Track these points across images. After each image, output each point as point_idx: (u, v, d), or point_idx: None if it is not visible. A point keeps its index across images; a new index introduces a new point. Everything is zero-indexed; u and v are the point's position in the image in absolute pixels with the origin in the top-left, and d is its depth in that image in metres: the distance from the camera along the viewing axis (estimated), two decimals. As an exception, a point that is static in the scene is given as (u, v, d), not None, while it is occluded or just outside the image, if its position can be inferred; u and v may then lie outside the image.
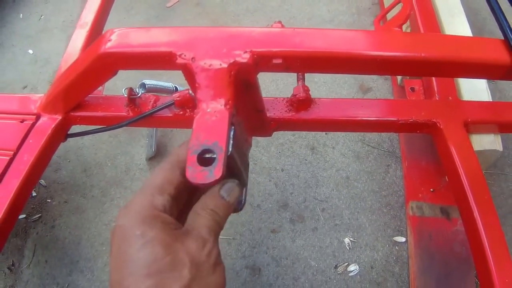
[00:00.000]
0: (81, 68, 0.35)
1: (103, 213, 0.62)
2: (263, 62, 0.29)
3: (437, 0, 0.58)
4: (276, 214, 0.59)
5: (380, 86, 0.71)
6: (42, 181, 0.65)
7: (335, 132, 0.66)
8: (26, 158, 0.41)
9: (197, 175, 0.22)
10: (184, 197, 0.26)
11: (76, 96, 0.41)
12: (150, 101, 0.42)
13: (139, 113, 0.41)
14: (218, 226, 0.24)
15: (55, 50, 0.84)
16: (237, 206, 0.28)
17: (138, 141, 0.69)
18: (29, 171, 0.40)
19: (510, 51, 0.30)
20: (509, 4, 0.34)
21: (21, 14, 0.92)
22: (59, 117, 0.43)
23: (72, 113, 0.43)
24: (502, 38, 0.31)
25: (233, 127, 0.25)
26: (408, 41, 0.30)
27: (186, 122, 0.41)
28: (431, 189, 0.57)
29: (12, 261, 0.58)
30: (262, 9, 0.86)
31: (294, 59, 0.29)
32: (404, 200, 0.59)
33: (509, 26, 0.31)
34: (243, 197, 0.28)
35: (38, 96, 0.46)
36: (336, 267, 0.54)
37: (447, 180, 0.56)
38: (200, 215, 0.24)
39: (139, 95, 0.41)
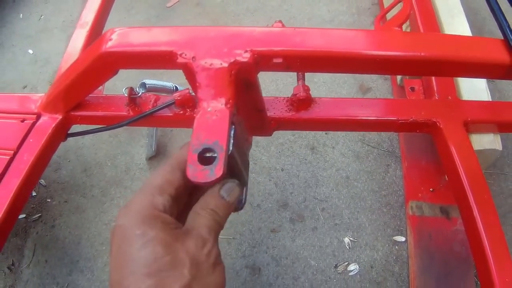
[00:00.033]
0: (81, 68, 0.35)
1: (103, 212, 0.62)
2: (264, 61, 0.29)
3: (436, 0, 0.58)
4: (276, 214, 0.59)
5: (379, 86, 0.72)
6: (42, 181, 0.65)
7: (335, 132, 0.66)
8: (26, 158, 0.41)
9: (198, 174, 0.22)
10: (184, 198, 0.26)
11: (76, 95, 0.41)
12: (151, 101, 0.42)
13: (140, 112, 0.41)
14: (218, 226, 0.24)
15: (55, 50, 0.84)
16: (238, 205, 0.28)
17: (138, 141, 0.69)
18: (29, 171, 0.40)
19: (510, 50, 0.30)
20: (509, 5, 0.34)
21: (21, 14, 0.92)
22: (59, 117, 0.43)
23: (72, 113, 0.43)
24: (502, 38, 0.32)
25: (233, 126, 0.25)
26: (408, 40, 0.30)
27: (186, 122, 0.41)
28: (430, 189, 0.57)
29: (12, 260, 0.58)
30: (262, 9, 0.86)
31: (294, 58, 0.29)
32: (403, 200, 0.59)
33: (508, 26, 0.31)
34: (244, 197, 0.28)
35: (39, 96, 0.46)
36: (336, 266, 0.54)
37: (446, 179, 0.56)
38: (200, 215, 0.24)
39: (140, 94, 0.41)
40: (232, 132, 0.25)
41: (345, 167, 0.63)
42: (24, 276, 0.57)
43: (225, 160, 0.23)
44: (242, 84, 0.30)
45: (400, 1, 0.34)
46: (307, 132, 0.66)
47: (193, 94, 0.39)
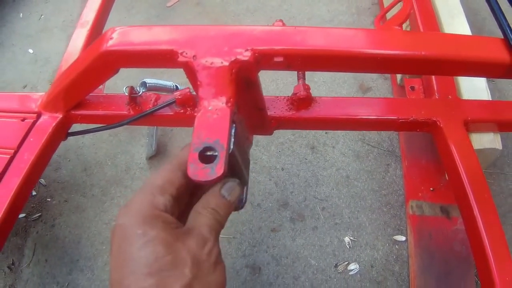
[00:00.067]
0: (82, 66, 0.35)
1: (103, 212, 0.61)
2: (265, 60, 0.29)
3: (436, 0, 0.58)
4: (276, 213, 0.59)
5: (379, 85, 0.72)
6: (42, 180, 0.65)
7: (335, 131, 0.66)
8: (27, 157, 0.41)
9: (199, 172, 0.22)
10: (185, 199, 0.26)
11: (77, 94, 0.41)
12: (151, 100, 0.42)
13: (140, 111, 0.41)
14: (219, 225, 0.24)
15: (55, 49, 0.84)
16: (238, 204, 0.28)
17: (138, 140, 0.69)
18: (29, 170, 0.40)
19: (510, 50, 0.31)
20: (508, 5, 0.34)
21: (21, 14, 0.92)
22: (60, 116, 0.43)
23: (73, 112, 0.43)
24: (502, 37, 0.32)
25: (234, 125, 0.25)
26: (408, 39, 0.31)
27: (186, 121, 0.41)
28: (431, 188, 0.57)
29: (12, 260, 0.58)
30: (262, 9, 0.86)
31: (295, 57, 0.29)
32: (404, 199, 0.59)
33: (508, 25, 0.31)
34: (244, 196, 0.28)
35: (39, 95, 0.46)
36: (336, 266, 0.54)
37: (447, 178, 0.56)
38: (201, 214, 0.24)
39: (140, 93, 0.42)
40: (233, 131, 0.25)
41: (345, 166, 0.63)
42: (24, 275, 0.57)
43: (226, 159, 0.23)
44: (243, 83, 0.30)
45: (400, 1, 0.34)
46: (307, 131, 0.66)
47: (194, 93, 0.39)
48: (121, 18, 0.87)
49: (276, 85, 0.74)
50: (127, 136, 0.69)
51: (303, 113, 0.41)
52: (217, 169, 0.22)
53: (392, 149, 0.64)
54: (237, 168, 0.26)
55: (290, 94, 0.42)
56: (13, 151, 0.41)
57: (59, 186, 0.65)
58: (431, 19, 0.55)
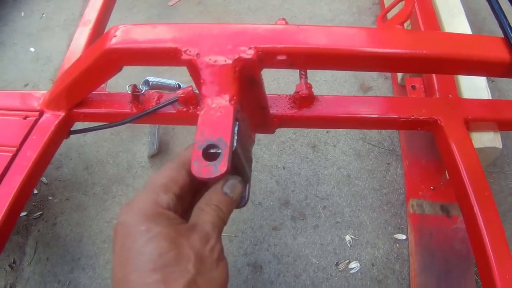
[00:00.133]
0: (85, 65, 0.36)
1: (105, 210, 0.62)
2: (268, 58, 0.29)
3: (437, 0, 0.58)
4: (277, 212, 0.59)
5: (380, 85, 0.72)
6: (43, 179, 0.65)
7: (336, 131, 0.66)
8: (29, 154, 0.41)
9: (202, 169, 0.22)
10: (188, 198, 0.26)
11: (79, 92, 0.41)
12: (154, 98, 0.42)
13: (143, 110, 0.41)
14: (221, 222, 0.24)
15: (56, 48, 0.84)
16: (240, 202, 0.28)
17: (140, 139, 0.69)
18: (32, 168, 0.40)
19: (510, 49, 0.31)
20: (509, 4, 0.34)
21: (23, 12, 0.93)
22: (62, 114, 0.43)
23: (75, 110, 0.43)
24: (502, 36, 0.32)
25: (237, 123, 0.26)
26: (410, 38, 0.31)
27: (189, 119, 0.41)
28: (431, 187, 0.58)
29: (13, 258, 0.58)
30: (263, 8, 0.86)
31: (298, 55, 0.29)
32: (404, 198, 0.59)
33: (509, 24, 0.32)
34: (246, 193, 0.28)
35: (41, 93, 0.46)
36: (337, 264, 0.54)
37: (447, 177, 0.57)
38: (204, 211, 0.24)
39: (143, 92, 0.42)
40: (236, 129, 0.25)
41: (346, 165, 0.63)
42: (25, 274, 0.57)
43: (229, 156, 0.23)
44: (246, 81, 0.30)
45: (402, 0, 0.34)
46: (308, 130, 0.67)
47: (196, 91, 0.39)
48: (122, 17, 0.88)
49: (277, 84, 0.74)
50: (129, 134, 0.70)
51: (305, 112, 0.41)
52: (221, 166, 0.22)
53: (393, 148, 0.64)
54: (240, 166, 0.27)
55: (291, 93, 0.42)
56: (15, 149, 0.41)
57: (60, 184, 0.65)
58: (431, 18, 0.55)
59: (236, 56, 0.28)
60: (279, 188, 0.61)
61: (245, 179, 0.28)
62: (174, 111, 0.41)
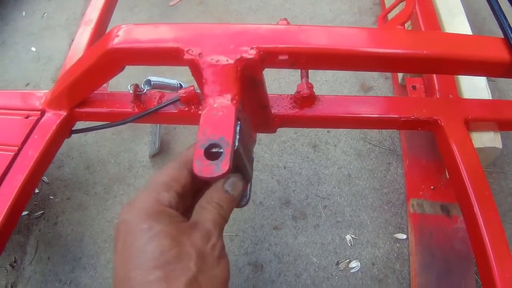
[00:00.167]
0: (87, 64, 0.36)
1: (106, 210, 0.62)
2: (269, 58, 0.29)
3: (437, 0, 0.58)
4: (278, 211, 0.59)
5: (381, 85, 0.72)
6: (45, 178, 0.66)
7: (336, 130, 0.67)
8: (31, 154, 0.41)
9: (204, 169, 0.22)
10: (190, 197, 0.26)
11: (81, 92, 0.42)
12: (155, 98, 0.42)
13: (145, 109, 0.42)
14: (222, 220, 0.24)
15: (58, 47, 0.84)
16: (242, 201, 0.28)
17: (141, 139, 0.69)
18: (33, 167, 0.40)
19: (510, 49, 0.31)
20: (509, 5, 0.34)
21: (24, 12, 0.93)
22: (64, 113, 0.44)
23: (77, 109, 0.44)
24: (502, 37, 0.32)
25: (239, 122, 0.26)
26: (411, 38, 0.31)
27: (191, 119, 0.41)
28: (431, 187, 0.58)
29: (14, 258, 0.58)
30: (264, 8, 0.86)
31: (299, 55, 0.29)
32: (405, 198, 0.59)
33: (509, 24, 0.32)
34: (248, 193, 0.29)
35: (43, 92, 0.46)
36: (337, 263, 0.55)
37: (447, 177, 0.57)
38: (206, 209, 0.24)
39: (145, 91, 0.42)
40: (238, 128, 0.25)
41: (347, 165, 0.63)
42: (26, 273, 0.57)
43: (231, 155, 0.23)
44: (248, 80, 0.30)
45: (403, 1, 0.35)
46: (309, 130, 0.67)
47: (198, 91, 0.39)
48: (124, 17, 0.88)
49: (278, 83, 0.74)
50: (130, 134, 0.70)
51: (306, 111, 0.41)
52: (222, 165, 0.22)
53: (393, 148, 0.65)
54: (241, 165, 0.27)
55: (293, 93, 0.42)
56: (17, 148, 0.42)
57: (61, 184, 0.65)
58: (432, 18, 0.55)
59: (238, 56, 0.28)
60: (280, 188, 0.62)
61: (247, 179, 0.28)
62: (176, 111, 0.41)
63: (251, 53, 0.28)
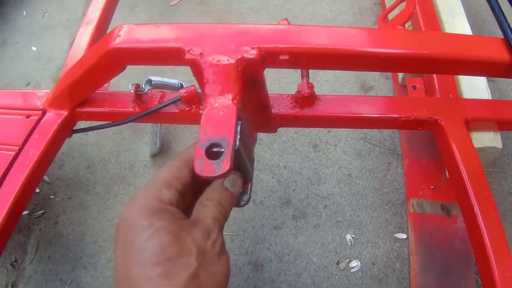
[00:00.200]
0: (89, 64, 0.36)
1: (107, 209, 0.62)
2: (270, 58, 0.29)
3: (438, 0, 0.59)
4: (278, 211, 0.60)
5: (381, 85, 0.72)
6: (45, 178, 0.66)
7: (337, 130, 0.67)
8: (32, 153, 0.41)
9: (205, 168, 0.22)
10: (190, 196, 0.26)
11: (83, 91, 0.42)
12: (156, 97, 0.42)
13: (146, 109, 0.42)
14: (222, 217, 0.25)
15: (58, 47, 0.85)
16: (243, 200, 0.28)
17: (142, 138, 0.69)
18: (34, 166, 0.41)
19: (510, 49, 0.31)
20: (509, 5, 0.35)
21: (25, 12, 0.93)
22: (65, 113, 0.44)
23: (78, 109, 0.44)
24: (502, 37, 0.32)
25: (240, 122, 0.26)
26: (411, 39, 0.31)
27: (192, 118, 0.41)
28: (431, 187, 0.58)
29: (15, 257, 0.59)
30: (265, 8, 0.86)
31: (300, 55, 0.30)
32: (405, 197, 0.60)
33: (508, 25, 0.32)
34: (249, 192, 0.29)
35: (44, 92, 0.46)
36: (338, 263, 0.55)
37: (447, 177, 0.57)
38: (206, 206, 0.24)
39: (146, 91, 0.42)
40: (239, 128, 0.25)
41: (347, 165, 0.63)
42: (27, 272, 0.57)
43: (232, 155, 0.23)
44: (249, 80, 0.30)
45: (403, 1, 0.35)
46: (310, 130, 0.67)
47: (199, 91, 0.39)
48: (124, 17, 0.88)
49: (279, 83, 0.74)
50: (131, 134, 0.70)
51: (307, 111, 0.41)
52: (223, 165, 0.22)
53: (394, 147, 0.65)
54: (242, 165, 0.27)
55: (293, 93, 0.42)
56: (18, 148, 0.42)
57: (62, 183, 0.65)
58: (432, 18, 0.55)
59: (239, 56, 0.28)
60: (280, 187, 0.62)
61: (248, 178, 0.28)
62: (177, 110, 0.41)
63: (252, 53, 0.28)
